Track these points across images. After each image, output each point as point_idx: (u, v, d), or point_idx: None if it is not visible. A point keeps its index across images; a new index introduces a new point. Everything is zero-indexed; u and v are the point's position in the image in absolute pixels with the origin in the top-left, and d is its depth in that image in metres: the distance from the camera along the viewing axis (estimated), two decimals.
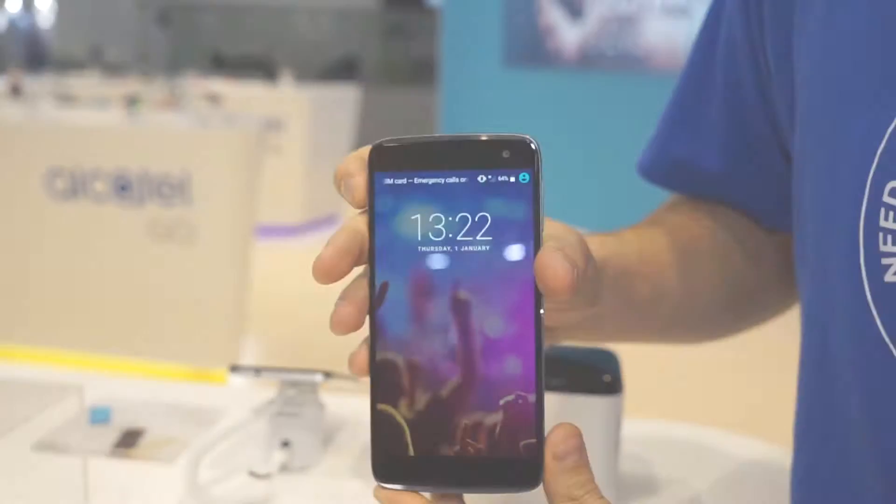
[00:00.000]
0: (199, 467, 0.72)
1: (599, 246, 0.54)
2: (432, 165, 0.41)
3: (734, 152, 0.67)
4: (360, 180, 0.42)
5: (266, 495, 0.73)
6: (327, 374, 0.77)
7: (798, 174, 0.59)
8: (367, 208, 0.42)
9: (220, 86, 5.93)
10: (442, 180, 0.41)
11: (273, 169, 4.74)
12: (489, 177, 0.41)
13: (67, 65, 9.07)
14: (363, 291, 0.41)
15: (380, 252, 0.41)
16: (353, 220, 0.42)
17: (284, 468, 0.77)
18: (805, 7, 0.57)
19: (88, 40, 11.06)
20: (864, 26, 0.52)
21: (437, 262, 0.41)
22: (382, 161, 0.42)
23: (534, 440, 0.39)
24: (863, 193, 0.50)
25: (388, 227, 0.41)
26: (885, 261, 0.49)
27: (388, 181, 0.42)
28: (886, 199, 0.49)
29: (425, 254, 0.41)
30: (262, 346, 3.63)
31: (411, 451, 0.40)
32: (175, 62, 10.52)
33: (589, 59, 6.08)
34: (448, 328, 0.40)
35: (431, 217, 0.41)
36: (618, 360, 0.73)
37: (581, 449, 0.39)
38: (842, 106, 0.52)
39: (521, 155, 0.40)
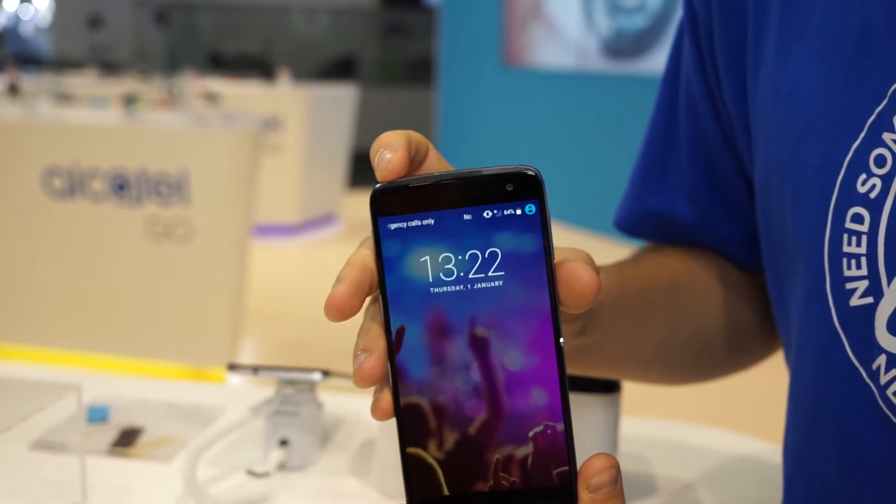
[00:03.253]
0: (198, 466, 0.72)
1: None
2: (436, 205, 0.41)
3: (706, 199, 0.68)
4: (399, 157, 0.42)
5: (264, 494, 0.74)
6: (325, 373, 0.78)
7: (762, 209, 0.61)
8: (374, 255, 0.42)
9: (218, 85, 5.92)
10: (447, 219, 0.41)
11: (271, 168, 4.75)
12: (495, 211, 0.41)
13: (65, 64, 9.06)
14: (382, 340, 0.41)
15: (392, 297, 0.41)
16: (359, 255, 0.42)
17: (282, 467, 0.78)
18: (757, 51, 0.58)
19: (86, 39, 11.06)
20: (816, 63, 0.53)
21: (452, 301, 0.41)
22: (384, 206, 0.41)
23: (566, 468, 0.39)
24: (825, 221, 0.52)
25: (398, 271, 0.41)
26: (849, 285, 0.50)
27: (393, 225, 0.41)
28: (849, 224, 0.50)
29: (438, 295, 0.41)
30: (260, 345, 3.63)
31: (446, 491, 0.41)
32: (173, 61, 10.52)
33: (586, 60, 6.08)
34: (469, 366, 0.41)
35: (441, 257, 0.41)
36: None
37: (615, 480, 0.39)
38: (800, 140, 0.54)
39: (525, 186, 0.40)
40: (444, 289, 0.41)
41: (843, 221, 0.51)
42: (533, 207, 0.40)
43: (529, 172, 0.40)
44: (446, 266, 0.41)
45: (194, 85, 5.60)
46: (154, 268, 2.89)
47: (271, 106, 5.37)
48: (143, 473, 0.78)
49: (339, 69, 10.85)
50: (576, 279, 0.40)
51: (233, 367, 0.80)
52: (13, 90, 4.52)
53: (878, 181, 0.49)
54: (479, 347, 0.40)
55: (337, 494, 0.75)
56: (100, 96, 4.32)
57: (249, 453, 0.80)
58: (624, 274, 0.61)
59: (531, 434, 0.40)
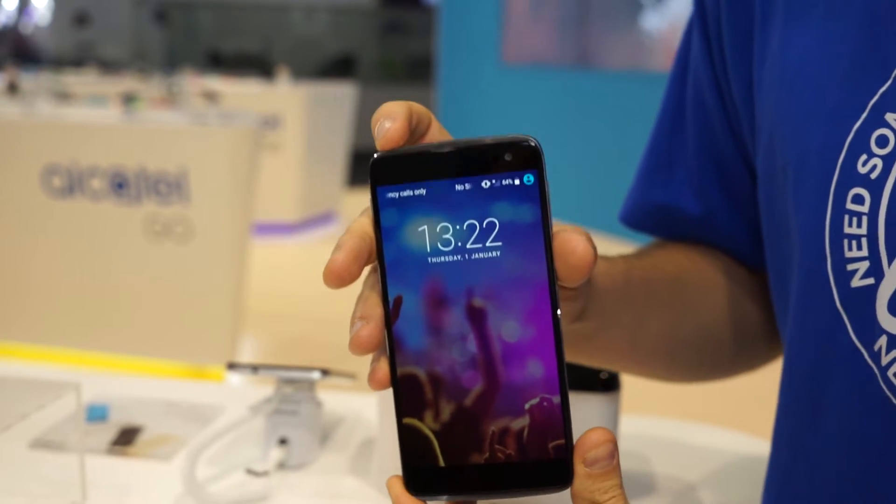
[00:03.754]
0: (197, 465, 0.72)
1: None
2: (434, 174, 0.41)
3: (712, 193, 0.68)
4: (398, 126, 0.41)
5: (263, 493, 0.73)
6: (324, 372, 0.77)
7: (765, 197, 0.61)
8: (373, 223, 0.41)
9: (217, 83, 5.92)
10: (446, 189, 0.40)
11: (270, 166, 4.75)
12: (493, 181, 0.40)
13: (63, 62, 9.06)
14: (379, 309, 0.41)
15: (390, 266, 0.41)
16: (359, 223, 0.42)
17: (282, 466, 0.78)
18: (763, 41, 0.59)
19: (73, 37, 11.05)
20: (819, 46, 0.54)
21: (449, 271, 0.40)
22: (383, 174, 0.41)
23: (562, 441, 0.39)
24: (826, 202, 0.52)
25: (396, 240, 0.41)
26: (850, 266, 0.50)
27: (391, 194, 0.41)
28: (850, 206, 0.50)
29: (436, 265, 0.40)
30: (260, 344, 3.63)
31: (441, 462, 0.40)
32: (172, 60, 10.51)
33: (586, 58, 6.08)
34: (466, 337, 0.40)
35: (439, 227, 0.41)
36: None
37: (612, 455, 0.39)
38: (802, 123, 0.54)
39: (523, 156, 0.40)
40: (442, 259, 0.40)
41: (844, 202, 0.51)
42: (531, 178, 0.40)
43: (529, 142, 0.40)
44: (444, 236, 0.40)
45: (193, 83, 5.60)
46: (153, 266, 2.89)
47: (270, 104, 5.36)
48: (142, 472, 0.77)
49: (338, 68, 10.85)
50: (570, 251, 0.40)
51: (232, 366, 0.80)
52: (12, 89, 4.52)
53: (879, 161, 0.49)
54: (476, 318, 0.40)
55: (336, 493, 0.75)
56: (99, 95, 4.32)
57: (249, 452, 0.80)
58: (628, 263, 0.61)
59: (527, 406, 0.40)
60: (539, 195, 0.40)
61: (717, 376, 0.72)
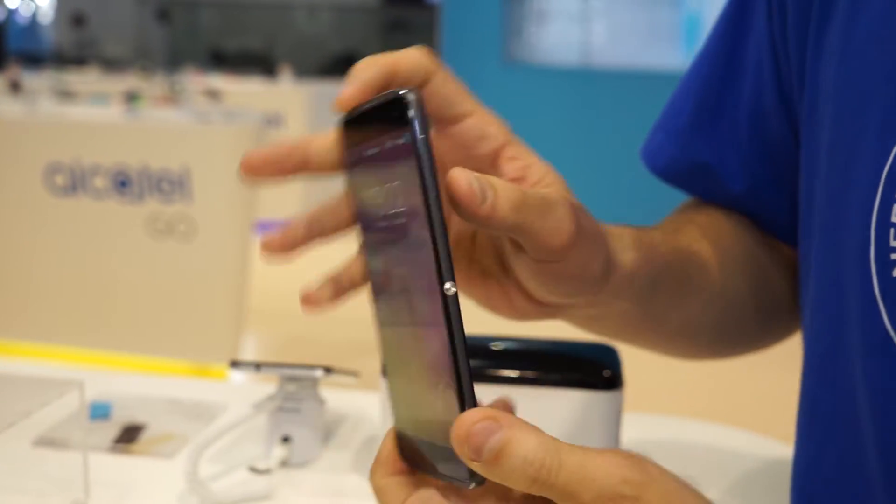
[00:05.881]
0: (200, 463, 0.72)
1: (633, 243, 0.55)
2: (362, 140, 0.42)
3: (757, 164, 0.67)
4: (350, 92, 0.43)
5: (266, 491, 0.73)
6: (327, 370, 0.77)
7: (807, 173, 0.60)
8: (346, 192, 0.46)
9: (220, 81, 5.92)
10: (371, 154, 0.41)
11: None
12: (391, 143, 0.39)
13: (65, 61, 9.06)
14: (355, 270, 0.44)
15: (358, 224, 0.45)
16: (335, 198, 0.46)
17: (285, 463, 0.78)
18: (821, 30, 0.57)
19: (86, 37, 11.06)
20: (883, 23, 0.52)
21: (383, 241, 0.42)
22: (345, 138, 0.45)
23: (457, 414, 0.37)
24: (876, 190, 0.51)
25: (356, 200, 0.45)
26: (894, 256, 0.50)
27: (347, 157, 0.45)
28: None
29: (379, 230, 0.42)
30: (262, 342, 3.63)
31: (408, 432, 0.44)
32: (174, 58, 10.52)
33: (588, 57, 6.08)
34: (400, 309, 0.40)
35: (373, 191, 0.42)
36: (618, 355, 0.73)
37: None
38: (862, 100, 0.53)
39: (401, 114, 0.37)
40: (383, 224, 0.41)
41: (895, 192, 0.50)
42: (408, 136, 0.37)
43: (399, 96, 0.37)
44: (378, 200, 0.41)
45: (196, 82, 5.61)
46: (156, 265, 2.89)
47: (273, 103, 5.37)
48: (145, 470, 0.77)
49: (340, 66, 10.84)
50: (453, 189, 0.39)
51: (235, 364, 0.80)
52: (15, 87, 4.52)
53: None
54: (401, 290, 0.40)
55: (339, 491, 0.75)
56: (101, 93, 4.32)
57: (252, 450, 0.80)
58: (655, 250, 0.59)
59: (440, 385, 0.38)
60: (415, 156, 0.37)
61: (737, 353, 0.71)
